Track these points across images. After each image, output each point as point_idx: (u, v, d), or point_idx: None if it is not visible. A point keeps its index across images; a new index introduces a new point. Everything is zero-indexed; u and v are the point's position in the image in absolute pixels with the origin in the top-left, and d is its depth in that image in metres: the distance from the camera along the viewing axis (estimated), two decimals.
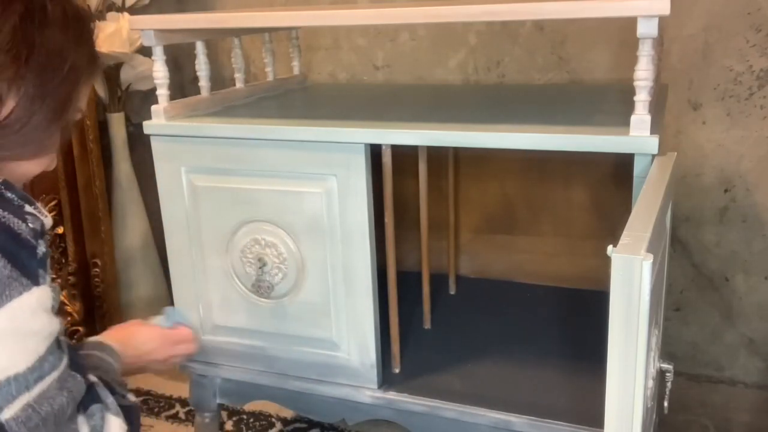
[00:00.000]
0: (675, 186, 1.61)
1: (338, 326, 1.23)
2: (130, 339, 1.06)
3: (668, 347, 1.73)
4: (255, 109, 1.39)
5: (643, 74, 0.94)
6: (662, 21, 0.93)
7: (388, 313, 1.25)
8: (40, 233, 0.75)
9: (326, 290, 1.21)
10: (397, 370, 1.29)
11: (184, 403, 1.77)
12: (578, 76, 1.65)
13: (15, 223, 0.73)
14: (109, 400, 0.86)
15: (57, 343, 0.77)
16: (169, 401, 1.80)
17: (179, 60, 1.93)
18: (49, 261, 0.77)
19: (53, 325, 0.76)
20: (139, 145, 1.90)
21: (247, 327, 1.30)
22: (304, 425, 1.61)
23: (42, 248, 0.75)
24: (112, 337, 1.05)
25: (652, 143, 0.95)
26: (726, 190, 1.59)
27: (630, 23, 0.92)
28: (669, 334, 1.72)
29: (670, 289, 1.70)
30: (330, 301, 1.21)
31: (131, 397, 0.95)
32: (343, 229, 1.16)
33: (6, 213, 0.73)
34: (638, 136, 0.95)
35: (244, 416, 1.73)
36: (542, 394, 1.21)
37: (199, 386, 1.40)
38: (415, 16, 1.07)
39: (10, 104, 0.77)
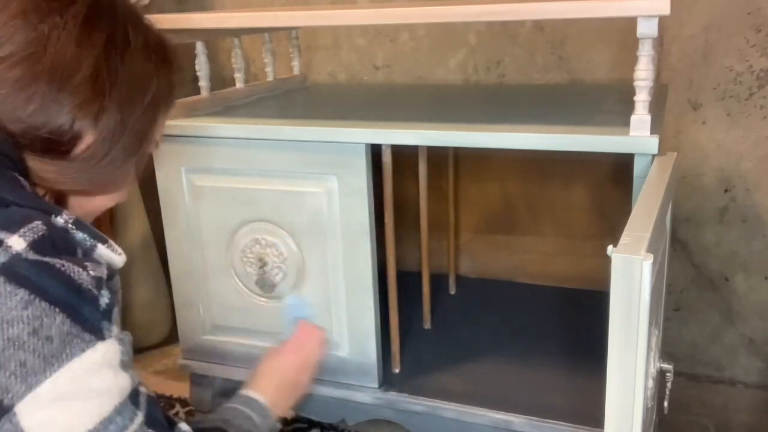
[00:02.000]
0: (675, 186, 1.61)
1: (338, 326, 1.23)
2: (275, 374, 1.04)
3: (668, 347, 1.73)
4: (255, 109, 1.39)
5: (643, 74, 0.94)
6: (662, 21, 0.93)
7: (388, 313, 1.26)
8: (103, 281, 0.69)
9: (326, 290, 1.21)
10: (397, 370, 1.29)
11: (184, 403, 1.77)
12: (578, 76, 1.65)
13: (75, 272, 0.66)
14: None
15: (131, 399, 0.71)
16: (169, 401, 1.80)
17: (179, 60, 1.93)
18: (116, 311, 0.71)
19: (122, 382, 0.70)
20: None
21: (247, 327, 1.30)
22: (304, 425, 1.61)
23: (105, 299, 0.68)
24: (263, 387, 1.02)
25: (652, 143, 0.95)
26: (726, 190, 1.59)
27: (630, 23, 0.92)
28: (669, 334, 1.72)
29: (670, 289, 1.70)
30: (330, 300, 1.21)
31: None
32: (343, 229, 1.16)
33: (65, 262, 0.66)
34: (638, 136, 0.95)
35: None
36: (542, 394, 1.21)
37: (199, 386, 1.40)
38: (415, 16, 1.07)
39: (88, 139, 0.73)
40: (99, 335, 0.67)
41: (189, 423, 0.89)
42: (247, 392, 1.01)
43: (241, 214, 1.23)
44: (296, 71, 1.65)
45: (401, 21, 1.26)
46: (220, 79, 1.85)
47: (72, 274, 0.66)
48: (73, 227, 0.70)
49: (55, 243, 0.67)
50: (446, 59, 1.75)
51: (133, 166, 0.79)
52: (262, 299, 1.27)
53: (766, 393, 1.68)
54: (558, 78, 1.66)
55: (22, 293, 0.62)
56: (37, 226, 0.66)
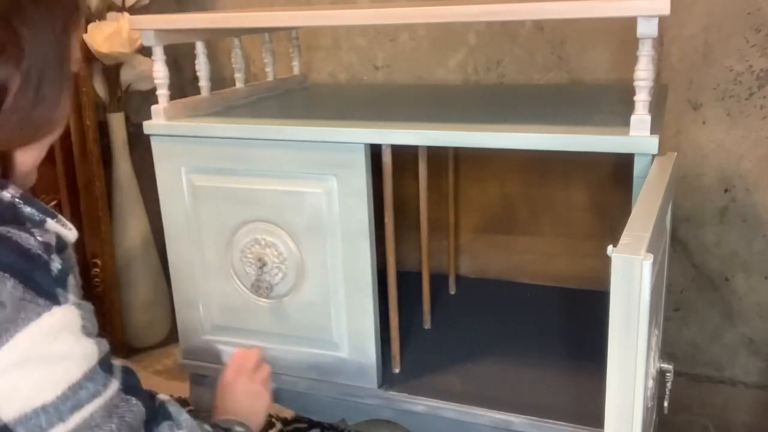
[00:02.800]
0: (675, 186, 1.61)
1: (338, 326, 1.23)
2: (238, 401, 1.03)
3: (668, 347, 1.73)
4: (255, 109, 1.39)
5: (643, 74, 0.94)
6: (662, 21, 0.93)
7: (388, 313, 1.25)
8: (54, 248, 0.68)
9: (326, 290, 1.21)
10: (397, 370, 1.29)
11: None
12: (578, 76, 1.65)
13: (22, 238, 0.65)
14: (182, 417, 0.80)
15: (104, 366, 0.70)
16: None
17: (179, 60, 1.93)
18: (72, 278, 0.70)
19: (86, 347, 0.68)
20: (139, 145, 1.90)
21: (247, 327, 1.30)
22: (304, 425, 1.61)
23: (56, 263, 0.67)
24: (230, 411, 1.01)
25: (652, 143, 0.95)
26: (726, 190, 1.59)
27: (630, 23, 0.92)
28: (669, 334, 1.72)
29: (670, 289, 1.70)
30: (330, 300, 1.21)
31: None
32: (343, 229, 1.16)
33: (11, 228, 0.65)
34: (638, 136, 0.95)
35: None
36: (542, 394, 1.21)
37: (199, 386, 1.40)
38: (415, 16, 1.07)
39: (14, 86, 0.69)
40: (54, 300, 0.66)
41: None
42: (222, 418, 1.01)
43: (241, 214, 1.23)
44: (296, 71, 1.65)
45: (401, 21, 1.26)
46: (220, 79, 1.85)
47: (19, 240, 0.65)
48: (21, 202, 0.69)
49: (1, 215, 0.66)
50: (446, 59, 1.75)
51: (66, 95, 0.76)
52: (262, 299, 1.27)
53: (766, 393, 1.68)
54: (558, 78, 1.66)
55: None
56: None
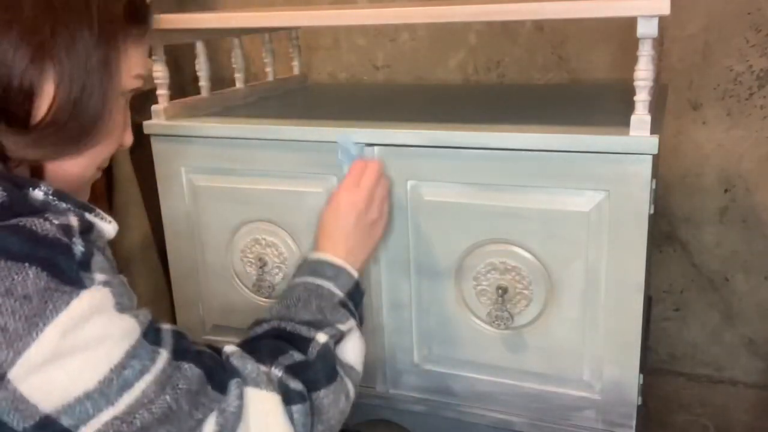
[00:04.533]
0: (675, 186, 1.61)
1: None
2: (335, 231, 0.93)
3: (668, 347, 1.73)
4: (255, 109, 1.39)
5: (643, 74, 0.94)
6: (662, 21, 0.93)
7: None
8: (77, 229, 0.64)
9: None
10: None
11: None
12: (578, 76, 1.65)
13: (36, 224, 0.61)
14: (247, 369, 0.75)
15: (149, 338, 0.67)
16: None
17: (179, 60, 1.93)
18: (98, 257, 0.66)
19: (124, 324, 0.65)
20: (139, 145, 1.90)
21: (246, 327, 1.30)
22: None
23: (79, 246, 0.63)
24: (329, 242, 0.91)
25: (652, 143, 0.95)
26: (726, 190, 1.59)
27: (630, 23, 0.92)
28: (669, 334, 1.72)
29: (670, 289, 1.70)
30: None
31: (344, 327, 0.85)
32: None
33: (23, 218, 0.61)
34: (638, 136, 0.95)
35: None
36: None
37: None
38: (415, 16, 1.07)
39: (49, 90, 0.68)
40: (79, 284, 0.62)
41: (241, 342, 0.84)
42: (310, 256, 0.92)
43: (241, 214, 1.23)
44: (296, 71, 1.65)
45: (401, 21, 1.26)
46: (220, 79, 1.85)
47: (34, 227, 0.61)
48: (54, 198, 0.66)
49: (14, 207, 0.63)
50: (446, 59, 1.75)
51: (112, 109, 0.73)
52: (262, 299, 1.27)
53: (766, 393, 1.68)
54: (558, 78, 1.66)
55: None
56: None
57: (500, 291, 1.07)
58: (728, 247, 1.62)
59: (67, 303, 0.61)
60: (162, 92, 1.25)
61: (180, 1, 1.96)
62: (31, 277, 0.59)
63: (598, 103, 1.32)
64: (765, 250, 1.59)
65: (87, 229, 0.67)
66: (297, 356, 0.81)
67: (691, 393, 1.73)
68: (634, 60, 0.94)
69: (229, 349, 0.78)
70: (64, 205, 0.66)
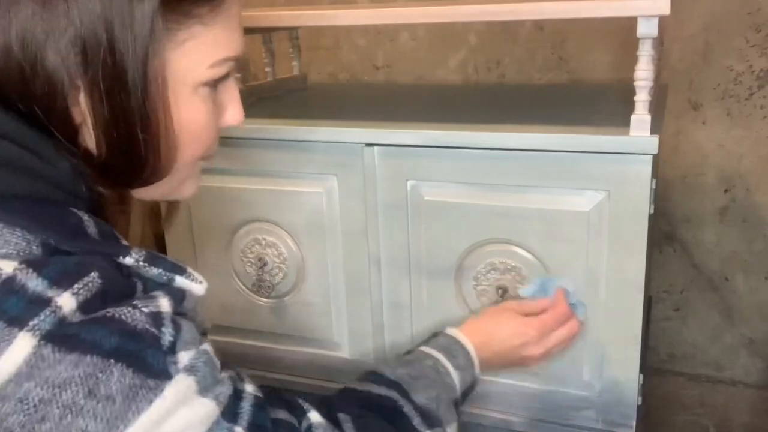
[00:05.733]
0: (675, 186, 1.61)
1: (339, 326, 1.23)
2: (495, 330, 0.89)
3: (668, 347, 1.73)
4: (255, 109, 1.39)
5: (643, 74, 0.94)
6: (662, 21, 0.93)
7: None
8: (163, 315, 0.60)
9: (327, 290, 1.21)
10: None
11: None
12: (578, 76, 1.65)
13: (126, 314, 0.57)
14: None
15: (227, 417, 0.63)
16: None
17: None
18: (185, 328, 0.62)
19: (204, 410, 0.61)
20: None
21: (247, 327, 1.30)
22: None
23: (168, 335, 0.59)
24: (468, 332, 0.87)
25: (652, 143, 0.95)
26: (726, 190, 1.59)
27: (630, 23, 0.92)
28: (669, 334, 1.72)
29: (670, 289, 1.70)
30: (330, 300, 1.21)
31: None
32: (343, 228, 1.16)
33: (110, 308, 0.57)
34: (638, 136, 0.95)
35: None
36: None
37: None
38: (415, 16, 1.07)
39: (89, 118, 0.62)
40: (165, 376, 0.58)
41: (347, 401, 0.79)
42: (453, 330, 0.87)
43: (241, 214, 1.23)
44: (296, 71, 1.65)
45: (401, 21, 1.26)
46: None
47: (123, 317, 0.57)
48: (145, 264, 0.62)
49: (107, 296, 0.58)
50: (446, 59, 1.75)
51: (167, 122, 0.64)
52: (262, 299, 1.27)
53: (766, 393, 1.68)
54: (558, 78, 1.66)
55: (71, 356, 0.54)
56: (93, 279, 0.57)
57: (500, 291, 1.07)
58: (728, 247, 1.62)
59: (150, 402, 0.57)
60: None
61: None
62: (115, 376, 0.56)
63: (598, 103, 1.32)
64: (765, 250, 1.59)
65: (179, 300, 0.63)
66: None
67: (691, 393, 1.73)
68: (634, 60, 0.94)
69: (314, 418, 0.73)
70: (155, 270, 0.63)
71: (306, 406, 0.75)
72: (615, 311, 1.03)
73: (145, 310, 0.59)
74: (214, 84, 0.69)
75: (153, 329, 0.59)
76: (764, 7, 1.47)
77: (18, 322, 0.54)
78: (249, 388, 0.69)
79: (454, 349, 0.88)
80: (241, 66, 1.46)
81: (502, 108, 1.35)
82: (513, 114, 1.26)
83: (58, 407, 0.54)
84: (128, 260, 0.62)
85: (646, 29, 0.91)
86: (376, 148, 1.10)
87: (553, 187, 1.01)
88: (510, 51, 1.69)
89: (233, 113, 0.73)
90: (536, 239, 1.04)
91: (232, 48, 0.68)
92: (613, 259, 1.01)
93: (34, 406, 0.53)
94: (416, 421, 0.79)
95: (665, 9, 0.88)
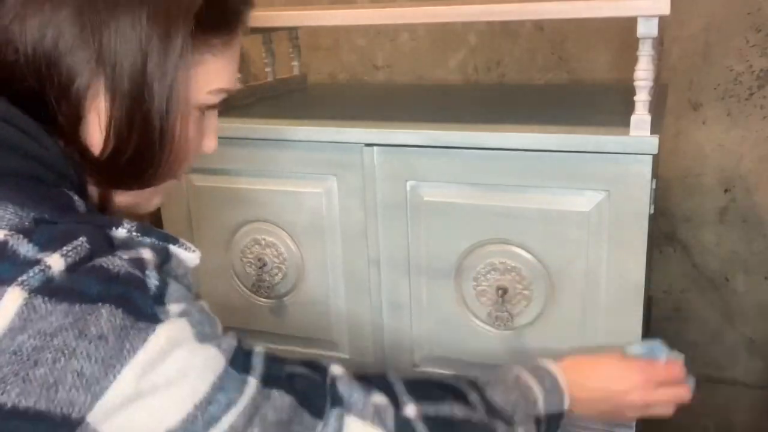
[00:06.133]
0: (675, 186, 1.61)
1: (338, 326, 1.22)
2: (592, 370, 0.86)
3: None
4: (255, 109, 1.39)
5: (643, 74, 0.94)
6: (662, 21, 0.93)
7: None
8: (151, 262, 0.61)
9: (326, 290, 1.21)
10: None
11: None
12: (578, 76, 1.65)
13: (106, 262, 0.58)
14: (353, 397, 0.70)
15: (237, 366, 0.64)
16: None
17: None
18: (174, 286, 0.63)
19: (206, 355, 0.62)
20: None
21: (247, 327, 1.30)
22: None
23: (153, 280, 0.60)
24: (562, 366, 0.85)
25: (652, 143, 0.95)
26: (726, 190, 1.59)
27: (630, 23, 0.91)
28: (669, 334, 1.72)
29: (670, 289, 1.70)
30: (330, 300, 1.21)
31: None
32: (342, 228, 1.16)
33: (96, 259, 0.58)
34: (638, 136, 0.95)
35: None
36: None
37: None
38: (415, 16, 1.07)
39: (103, 117, 0.64)
40: (154, 319, 0.59)
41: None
42: (543, 361, 0.84)
43: (241, 214, 1.23)
44: (296, 71, 1.65)
45: (401, 21, 1.26)
46: None
47: (104, 265, 0.58)
48: (138, 234, 0.63)
49: (94, 254, 0.59)
50: (446, 59, 1.75)
51: (176, 120, 0.66)
52: (262, 299, 1.27)
53: (766, 393, 1.68)
54: (558, 78, 1.66)
55: (61, 306, 0.55)
56: (82, 244, 0.58)
57: (500, 291, 1.07)
58: (728, 247, 1.62)
59: (144, 340, 0.57)
60: None
61: None
62: (105, 316, 0.56)
63: (598, 103, 1.32)
64: (765, 250, 1.59)
65: (164, 260, 0.64)
66: (457, 411, 0.74)
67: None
68: (634, 60, 0.94)
69: (337, 371, 0.73)
70: (147, 239, 0.64)
71: (326, 362, 0.75)
72: (615, 311, 1.03)
73: (126, 257, 0.60)
74: (204, 110, 0.73)
75: (137, 272, 0.59)
76: (764, 7, 1.47)
77: (8, 281, 0.55)
78: (258, 347, 0.69)
79: (541, 374, 0.84)
80: (240, 66, 1.45)
81: (502, 108, 1.35)
82: (513, 114, 1.26)
83: (50, 352, 0.54)
84: (120, 231, 0.63)
85: (646, 29, 0.91)
86: (375, 148, 1.10)
87: (553, 187, 1.01)
88: (510, 51, 1.69)
89: (209, 142, 0.77)
90: (536, 239, 1.04)
91: (229, 80, 0.73)
92: (613, 259, 1.01)
93: (27, 355, 0.54)
94: (479, 412, 0.76)
95: (665, 9, 0.88)
